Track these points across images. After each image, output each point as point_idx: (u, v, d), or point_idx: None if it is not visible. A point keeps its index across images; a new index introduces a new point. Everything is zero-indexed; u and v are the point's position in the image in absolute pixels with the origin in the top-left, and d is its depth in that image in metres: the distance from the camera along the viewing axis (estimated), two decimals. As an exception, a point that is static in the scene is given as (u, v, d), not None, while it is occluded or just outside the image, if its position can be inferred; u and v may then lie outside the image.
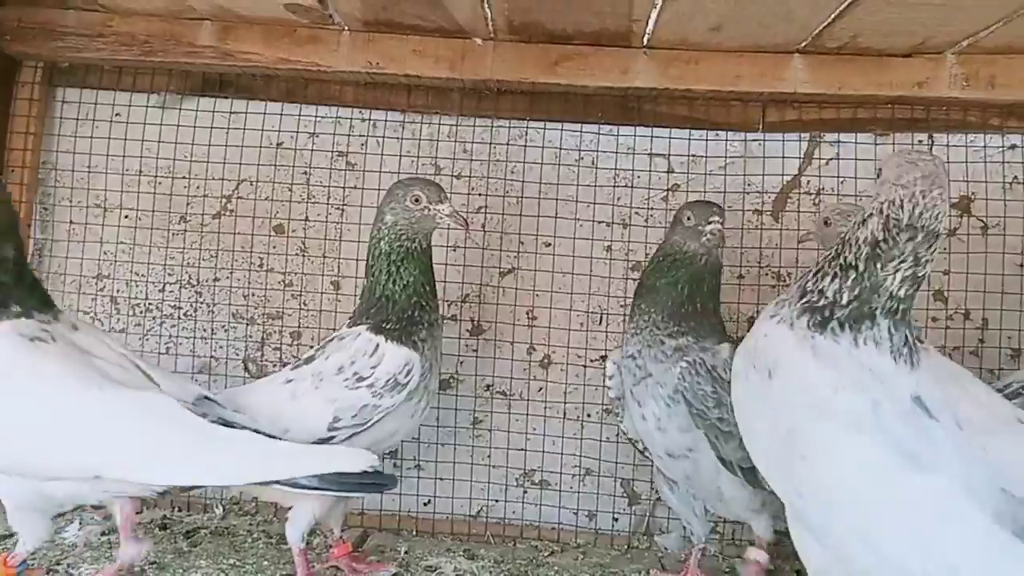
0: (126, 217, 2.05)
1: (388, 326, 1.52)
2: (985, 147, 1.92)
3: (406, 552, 1.76)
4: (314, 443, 1.45)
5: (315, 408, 1.48)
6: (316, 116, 2.03)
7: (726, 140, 1.97)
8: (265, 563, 1.64)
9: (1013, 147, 1.92)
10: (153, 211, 2.05)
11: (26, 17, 1.91)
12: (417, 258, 1.56)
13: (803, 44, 1.75)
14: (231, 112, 2.03)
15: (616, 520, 1.98)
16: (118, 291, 2.05)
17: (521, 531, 1.94)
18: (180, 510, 1.94)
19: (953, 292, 1.91)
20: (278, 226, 2.05)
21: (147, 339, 2.04)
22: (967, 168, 1.91)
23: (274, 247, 2.04)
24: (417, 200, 1.55)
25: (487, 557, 1.75)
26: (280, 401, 1.50)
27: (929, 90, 1.80)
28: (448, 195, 1.58)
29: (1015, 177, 1.92)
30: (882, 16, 1.59)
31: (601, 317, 2.01)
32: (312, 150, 2.04)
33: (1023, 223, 1.89)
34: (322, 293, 2.03)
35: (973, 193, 1.93)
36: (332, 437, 1.48)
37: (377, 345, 1.51)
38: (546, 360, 2.01)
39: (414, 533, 1.95)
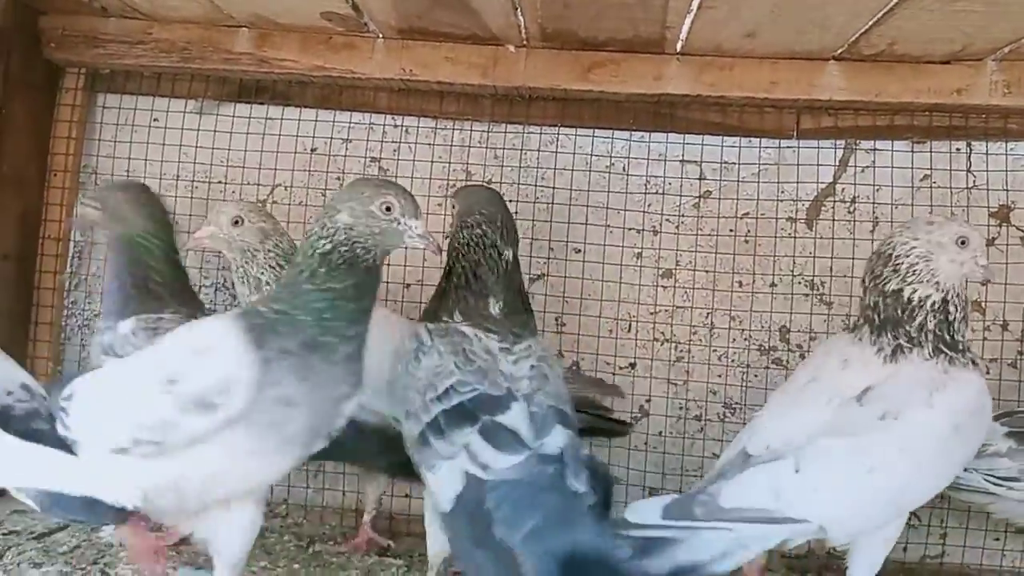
0: (163, 221, 2.09)
1: (259, 322, 1.18)
2: (1024, 155, 1.89)
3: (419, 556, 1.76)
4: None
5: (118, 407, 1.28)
6: (350, 122, 2.05)
7: (760, 147, 1.96)
8: (296, 566, 1.65)
9: (1055, 155, 1.89)
10: (190, 215, 2.07)
11: (69, 25, 1.96)
12: (359, 273, 1.22)
13: (839, 51, 1.74)
14: (267, 118, 2.07)
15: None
16: (154, 293, 2.08)
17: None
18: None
19: (991, 303, 1.87)
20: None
21: (182, 341, 2.07)
22: (1007, 177, 1.88)
23: (306, 252, 2.06)
24: (388, 208, 1.24)
25: (515, 563, 1.75)
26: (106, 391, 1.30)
27: (968, 97, 1.77)
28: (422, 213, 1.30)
29: (1056, 187, 1.88)
30: (920, 23, 1.57)
31: (630, 325, 2.00)
32: (346, 156, 2.06)
33: (1064, 234, 1.86)
34: (353, 297, 2.05)
35: (1012, 202, 1.89)
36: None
37: (211, 346, 1.18)
38: (574, 367, 2.00)
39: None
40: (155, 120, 2.10)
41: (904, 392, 1.36)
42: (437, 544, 1.42)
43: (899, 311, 1.39)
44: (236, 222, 1.61)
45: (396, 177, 2.05)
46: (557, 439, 1.29)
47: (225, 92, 2.07)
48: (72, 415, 1.27)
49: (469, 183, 1.91)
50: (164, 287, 1.61)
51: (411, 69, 1.88)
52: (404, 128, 2.05)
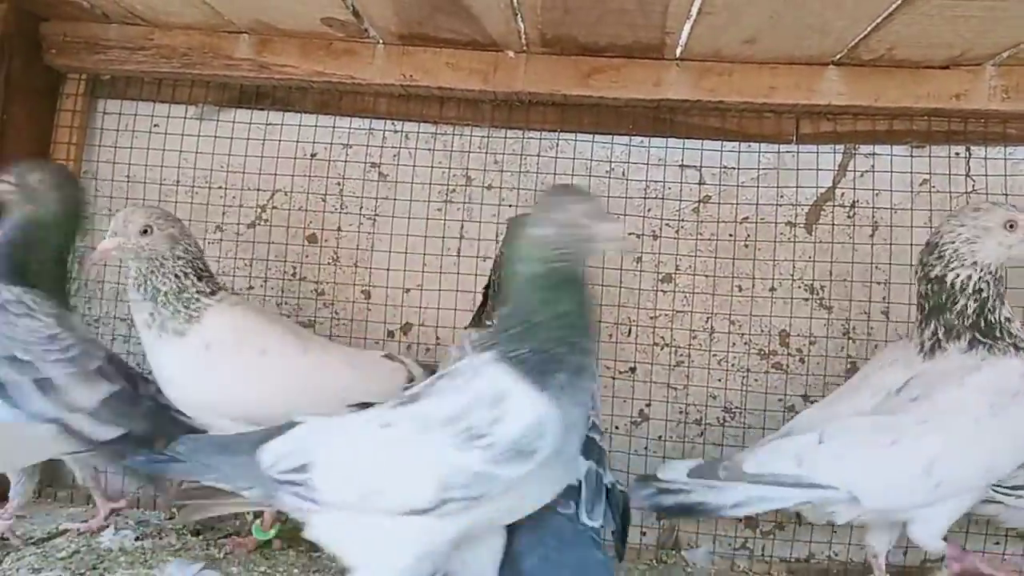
0: (163, 226, 2.09)
1: (523, 358, 1.14)
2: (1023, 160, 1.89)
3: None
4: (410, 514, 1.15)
5: (415, 468, 1.16)
6: (350, 128, 2.06)
7: (759, 152, 1.96)
8: (296, 571, 1.64)
9: (1054, 160, 1.89)
10: (190, 220, 2.05)
11: (70, 31, 1.97)
12: (572, 285, 1.18)
13: (838, 56, 1.74)
14: (267, 124, 2.07)
15: (644, 534, 1.96)
16: (154, 299, 2.09)
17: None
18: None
19: (992, 307, 1.87)
20: (311, 236, 2.07)
21: (182, 346, 2.07)
22: (1006, 181, 1.88)
23: (307, 256, 2.07)
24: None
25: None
26: (371, 450, 1.20)
27: (967, 102, 1.77)
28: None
29: (1056, 191, 1.88)
30: (920, 28, 1.58)
31: (630, 329, 2.00)
32: (345, 161, 2.06)
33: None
34: (353, 302, 2.05)
35: (1012, 207, 1.89)
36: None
37: (504, 393, 1.12)
38: (575, 371, 2.00)
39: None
40: (156, 126, 2.10)
41: (938, 377, 1.45)
42: None
43: (943, 297, 1.48)
44: (145, 231, 1.56)
45: (396, 182, 2.05)
46: (579, 468, 1.29)
47: (226, 98, 2.08)
48: (324, 484, 1.19)
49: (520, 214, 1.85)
50: (39, 276, 1.66)
51: (411, 75, 1.89)
52: (404, 133, 2.05)
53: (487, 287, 1.68)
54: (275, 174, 2.06)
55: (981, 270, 1.46)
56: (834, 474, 1.40)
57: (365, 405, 1.58)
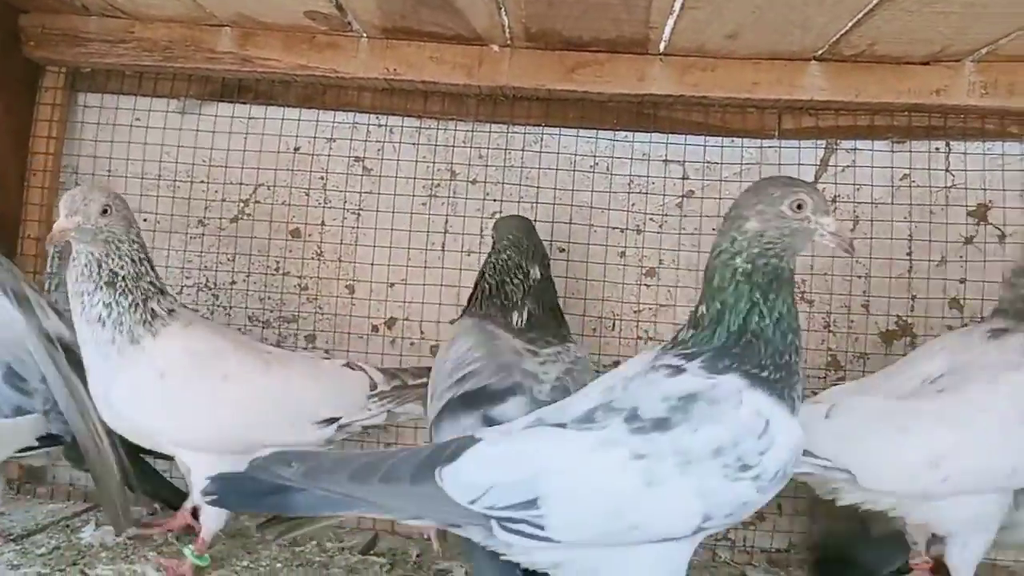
0: (144, 221, 2.06)
1: (768, 376, 1.13)
2: (1003, 155, 1.91)
3: (418, 555, 1.76)
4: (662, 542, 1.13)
5: (682, 503, 1.10)
6: (333, 121, 2.05)
7: (742, 147, 1.97)
8: (279, 565, 1.64)
9: (1032, 155, 1.91)
10: (172, 215, 2.07)
11: (49, 23, 1.95)
12: (787, 284, 1.17)
13: (820, 51, 1.75)
14: (249, 117, 2.06)
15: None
16: (136, 294, 2.07)
17: (534, 537, 1.93)
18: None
19: (969, 300, 1.89)
20: (294, 230, 2.06)
21: (164, 341, 2.05)
22: (984, 176, 1.90)
23: (290, 251, 2.06)
24: (800, 207, 1.17)
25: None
26: (628, 484, 1.09)
27: (947, 98, 1.79)
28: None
29: (1034, 186, 1.91)
30: (900, 24, 1.59)
31: (614, 323, 2.00)
32: (329, 155, 2.05)
33: (1042, 232, 1.89)
34: (337, 297, 2.04)
35: (990, 201, 1.91)
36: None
37: (768, 421, 1.11)
38: (560, 366, 2.01)
39: (426, 537, 1.94)
40: (137, 120, 2.08)
41: (975, 371, 1.41)
42: None
43: None
44: (105, 211, 1.46)
45: (380, 177, 2.05)
46: None
47: (208, 91, 2.06)
48: (562, 522, 1.10)
49: (505, 215, 1.87)
50: None
51: (395, 68, 1.88)
52: (388, 128, 2.04)
53: (479, 280, 1.68)
54: (258, 168, 2.05)
55: None
56: (833, 450, 1.37)
57: (331, 420, 1.61)
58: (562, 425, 1.16)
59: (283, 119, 2.05)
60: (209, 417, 1.52)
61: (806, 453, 1.40)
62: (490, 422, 1.33)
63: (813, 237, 1.19)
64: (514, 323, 1.58)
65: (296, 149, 2.06)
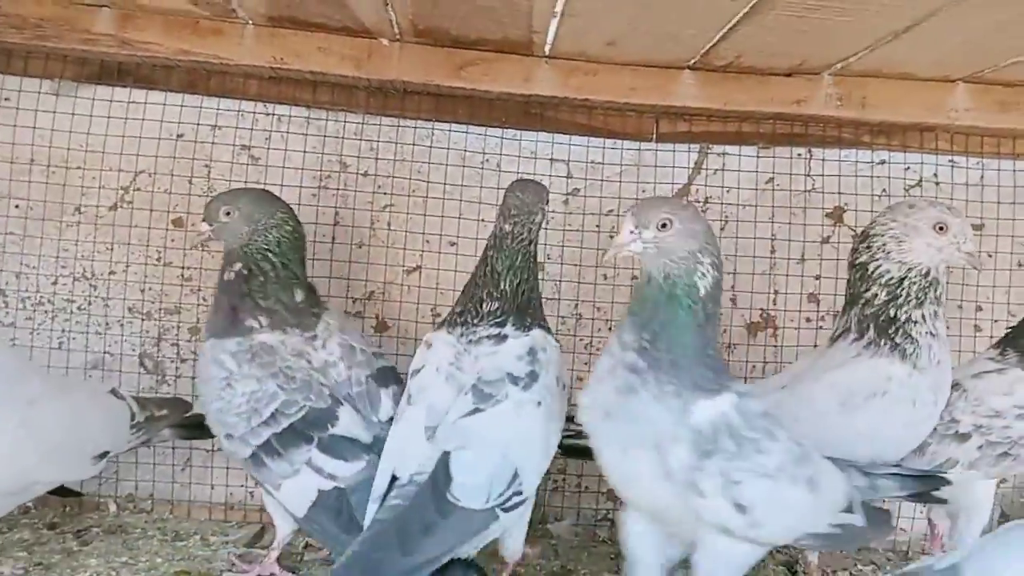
0: (16, 207, 1.98)
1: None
2: (856, 162, 2.08)
3: (304, 547, 1.77)
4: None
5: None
6: (218, 108, 2.01)
7: (622, 148, 2.06)
8: (159, 560, 1.63)
9: (882, 162, 2.09)
10: (45, 201, 1.98)
11: (-97, -8, 1.82)
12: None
13: (692, 61, 1.86)
14: (130, 102, 1.99)
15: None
16: (7, 284, 1.98)
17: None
18: (70, 509, 1.90)
19: (825, 295, 2.06)
20: (177, 219, 2.02)
21: (37, 334, 1.97)
22: (840, 181, 2.07)
23: (172, 241, 2.01)
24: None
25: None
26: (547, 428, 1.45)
27: (807, 108, 1.93)
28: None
29: (883, 190, 2.08)
30: (761, 40, 1.70)
31: (503, 315, 2.07)
32: (213, 143, 2.01)
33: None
34: (223, 288, 2.02)
35: (846, 204, 2.09)
36: None
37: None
38: (449, 356, 2.06)
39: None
40: (6, 100, 1.98)
41: (811, 369, 1.54)
42: (287, 526, 1.56)
43: (860, 285, 1.52)
44: None
45: (267, 166, 2.03)
46: (387, 406, 1.52)
47: (85, 73, 1.98)
48: (529, 480, 1.38)
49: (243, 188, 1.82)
50: None
51: (282, 58, 1.86)
52: (276, 116, 2.02)
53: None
54: (138, 155, 1.99)
55: (909, 269, 1.48)
56: None
57: (104, 454, 1.58)
58: (480, 410, 1.39)
59: (165, 104, 1.99)
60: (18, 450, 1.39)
61: None
62: (333, 441, 1.44)
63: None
64: (296, 300, 1.60)
65: (179, 136, 2.01)
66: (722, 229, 2.07)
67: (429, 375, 1.46)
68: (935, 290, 1.50)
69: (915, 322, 1.48)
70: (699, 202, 2.08)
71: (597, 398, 1.27)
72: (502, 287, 1.52)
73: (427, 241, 2.05)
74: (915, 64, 1.83)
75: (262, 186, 2.01)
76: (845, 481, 1.34)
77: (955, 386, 1.61)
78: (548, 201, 1.58)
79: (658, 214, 1.24)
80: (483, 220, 2.06)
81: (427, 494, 1.31)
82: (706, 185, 2.07)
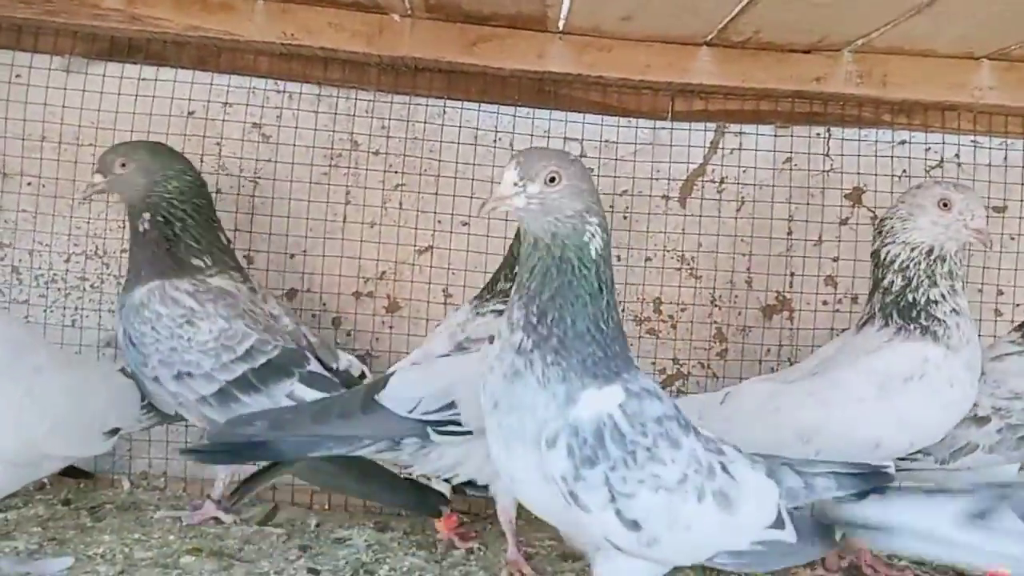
0: (29, 184, 1.98)
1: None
2: (876, 142, 2.04)
3: (317, 525, 1.78)
4: None
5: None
6: (229, 85, 1.99)
7: (636, 127, 2.03)
8: (171, 537, 1.64)
9: (903, 143, 2.05)
10: (57, 179, 1.98)
11: (-87, -32, 1.81)
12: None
13: (709, 37, 1.82)
14: (140, 78, 1.98)
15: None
16: (20, 261, 1.98)
17: (433, 503, 1.98)
18: (84, 486, 1.91)
19: (842, 278, 2.03)
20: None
21: (51, 311, 1.98)
22: (859, 161, 2.03)
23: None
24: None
25: (398, 528, 1.79)
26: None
27: (826, 86, 1.89)
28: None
29: (904, 171, 2.04)
30: (781, 14, 1.67)
31: (515, 295, 2.05)
32: (224, 120, 2.00)
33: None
34: (235, 267, 2.01)
35: (865, 185, 2.05)
36: None
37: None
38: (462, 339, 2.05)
39: (326, 507, 1.97)
40: (17, 76, 1.97)
41: (845, 354, 1.53)
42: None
43: (878, 272, 1.54)
44: None
45: (278, 144, 2.01)
46: (344, 358, 1.72)
47: (95, 50, 1.97)
48: (468, 416, 1.41)
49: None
50: None
51: (292, 33, 1.84)
52: (287, 94, 2.01)
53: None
54: (148, 132, 1.97)
55: (913, 249, 1.48)
56: (723, 431, 1.41)
57: (114, 431, 1.62)
58: (448, 355, 1.55)
59: (175, 81, 1.98)
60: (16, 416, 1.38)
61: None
62: (314, 377, 1.62)
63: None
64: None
65: (190, 113, 2.00)
66: (738, 210, 2.04)
67: (435, 332, 1.66)
68: (944, 266, 1.50)
69: (935, 302, 1.48)
70: (715, 182, 2.05)
71: (487, 386, 1.15)
72: (516, 271, 1.50)
73: (439, 221, 2.04)
74: (938, 40, 1.79)
75: (272, 164, 2.01)
76: (774, 491, 1.20)
77: None
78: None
79: (547, 166, 1.11)
80: (495, 200, 2.04)
81: (359, 392, 1.48)
82: (723, 165, 2.03)
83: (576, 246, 1.10)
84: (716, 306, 2.05)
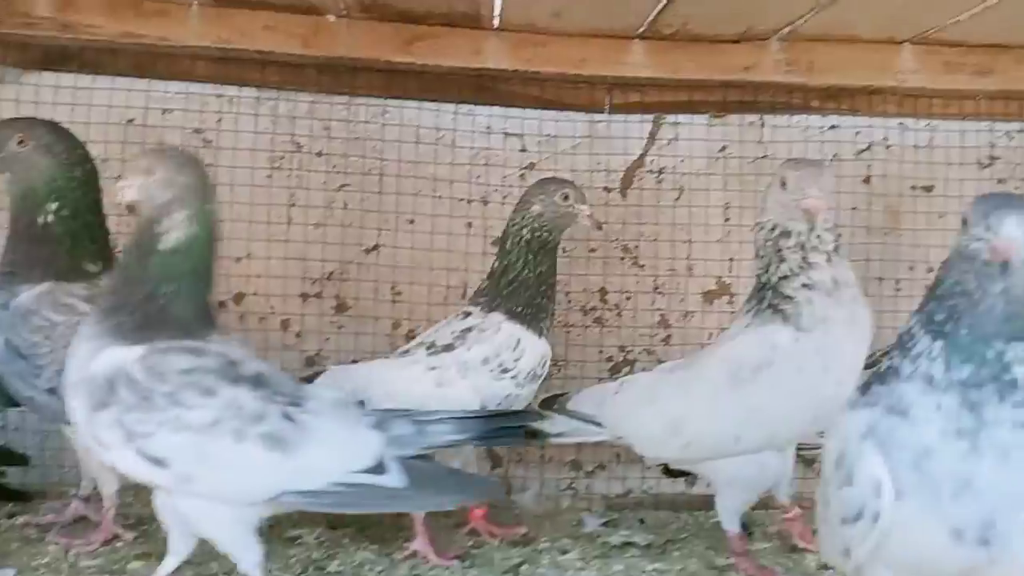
0: (-34, 199, 1.96)
1: (521, 311, 1.61)
2: (807, 127, 2.10)
3: (270, 526, 1.76)
4: None
5: (463, 396, 1.55)
6: (167, 92, 1.99)
7: (575, 121, 2.07)
8: (119, 544, 1.62)
9: (833, 127, 2.11)
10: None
11: None
12: (551, 251, 1.65)
13: (641, 30, 1.86)
14: (76, 87, 1.96)
15: (481, 484, 2.07)
16: None
17: (387, 498, 1.99)
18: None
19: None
20: (132, 206, 1.99)
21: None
22: (792, 147, 2.09)
23: (128, 227, 1.98)
24: (566, 198, 1.64)
25: (352, 525, 1.80)
26: (425, 387, 1.56)
27: (756, 74, 1.95)
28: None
29: (835, 154, 2.11)
30: (707, 5, 1.73)
31: (464, 291, 2.07)
32: (165, 127, 1.99)
33: (840, 197, 2.08)
34: (181, 273, 2.00)
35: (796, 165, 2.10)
36: None
37: (519, 339, 1.59)
38: (412, 334, 2.05)
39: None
40: (-53, 88, 1.95)
41: (714, 343, 1.58)
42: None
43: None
44: None
45: (220, 149, 2.01)
46: None
47: (28, 59, 1.95)
48: None
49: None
50: None
51: (228, 38, 1.84)
52: (227, 98, 2.01)
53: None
54: (88, 140, 1.93)
55: (762, 229, 1.46)
56: (613, 422, 1.57)
57: None
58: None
59: (113, 89, 1.97)
60: None
61: (598, 424, 1.58)
62: None
63: (576, 220, 1.65)
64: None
65: (130, 120, 1.99)
66: (677, 199, 2.09)
67: None
68: (790, 239, 1.42)
69: (784, 277, 1.42)
70: (654, 173, 2.09)
71: None
72: (492, 268, 1.68)
73: (385, 220, 2.05)
74: (860, 26, 1.86)
75: (215, 169, 2.00)
76: (373, 439, 1.27)
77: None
78: (558, 194, 1.64)
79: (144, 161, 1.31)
80: (440, 197, 2.06)
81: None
82: (660, 155, 2.08)
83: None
84: (659, 293, 2.09)
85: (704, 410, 1.47)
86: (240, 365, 1.25)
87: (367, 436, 1.28)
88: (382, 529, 1.78)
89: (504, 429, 1.40)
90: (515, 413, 1.54)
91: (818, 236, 1.44)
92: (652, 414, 1.53)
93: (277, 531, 1.74)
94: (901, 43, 1.94)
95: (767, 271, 1.46)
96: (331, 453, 1.25)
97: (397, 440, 1.29)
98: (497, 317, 1.61)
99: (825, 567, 1.64)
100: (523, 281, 1.62)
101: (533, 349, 1.60)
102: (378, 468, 1.25)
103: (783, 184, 1.45)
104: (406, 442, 1.30)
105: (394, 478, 1.25)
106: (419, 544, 1.62)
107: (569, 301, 2.07)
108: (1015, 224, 0.85)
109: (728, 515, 1.52)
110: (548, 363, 1.64)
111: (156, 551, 1.58)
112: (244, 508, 1.27)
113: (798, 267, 1.43)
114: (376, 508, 1.44)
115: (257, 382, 1.25)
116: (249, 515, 1.27)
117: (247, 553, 1.27)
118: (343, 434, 1.28)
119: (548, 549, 1.69)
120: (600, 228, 1.72)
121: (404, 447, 1.29)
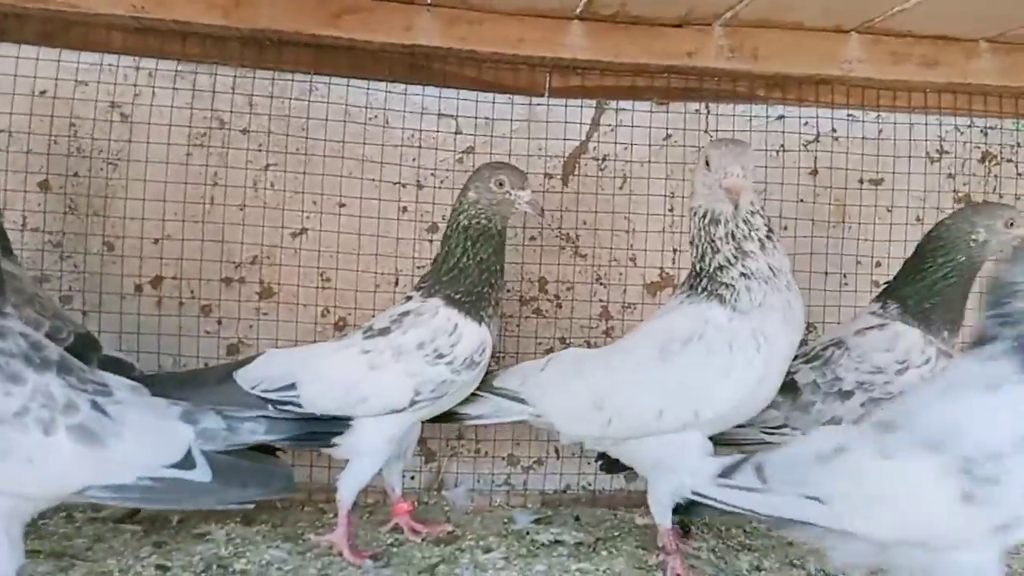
0: None
1: (460, 298, 1.56)
2: (753, 117, 2.05)
3: (179, 521, 1.70)
4: (389, 413, 1.55)
5: (396, 381, 1.53)
6: (80, 62, 1.87)
7: (513, 104, 1.99)
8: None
9: (780, 117, 2.06)
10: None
11: None
12: (492, 238, 1.58)
13: (579, 10, 1.79)
14: (-21, 55, 1.84)
15: (412, 478, 2.00)
16: None
17: (310, 493, 1.89)
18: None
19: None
20: (43, 182, 1.88)
21: None
22: (737, 137, 2.03)
23: (39, 205, 1.88)
24: (501, 184, 1.56)
25: (268, 522, 1.72)
26: (357, 370, 1.54)
27: (699, 60, 1.88)
28: (529, 183, 1.60)
29: (781, 145, 2.06)
30: (644, -15, 1.65)
31: (396, 279, 2.00)
32: (77, 99, 1.88)
33: (786, 189, 2.05)
34: (95, 254, 1.89)
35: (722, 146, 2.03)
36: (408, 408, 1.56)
37: (456, 324, 1.55)
38: (341, 322, 1.98)
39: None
40: None
41: (640, 324, 1.55)
42: None
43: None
44: None
45: (137, 124, 1.90)
46: None
47: (-74, 25, 1.82)
48: (308, 398, 1.53)
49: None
50: None
51: (143, 6, 1.73)
52: (145, 70, 1.90)
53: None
54: (-9, 111, 1.85)
55: (694, 214, 1.44)
56: (536, 398, 1.54)
57: None
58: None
59: (19, 57, 1.85)
60: None
61: (522, 402, 1.54)
62: None
63: (515, 207, 1.58)
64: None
65: (41, 92, 1.87)
66: (620, 187, 2.02)
67: None
68: (720, 229, 1.40)
69: (721, 267, 1.41)
70: (598, 159, 2.02)
71: None
72: (436, 254, 1.65)
73: (313, 202, 1.96)
74: (806, 13, 1.80)
75: (133, 145, 1.90)
76: (182, 432, 1.26)
77: (839, 344, 1.61)
78: (492, 180, 1.57)
79: None
80: (370, 179, 1.97)
81: (221, 369, 1.61)
82: (602, 142, 2.01)
83: None
84: (601, 284, 2.03)
85: (629, 382, 1.44)
86: (43, 348, 1.18)
87: (176, 428, 1.25)
88: (298, 527, 1.71)
89: (315, 434, 1.46)
90: (328, 419, 1.52)
91: (746, 221, 1.41)
92: (576, 389, 1.50)
93: (188, 527, 1.67)
94: (848, 32, 1.88)
95: (703, 260, 1.44)
96: (142, 446, 1.22)
97: (205, 433, 1.27)
98: (435, 302, 1.57)
99: (758, 568, 1.61)
100: (463, 268, 1.57)
101: (471, 336, 1.55)
102: (186, 462, 1.23)
103: (707, 164, 1.41)
104: (214, 436, 1.28)
105: (201, 472, 1.23)
106: (336, 536, 1.57)
107: (508, 290, 2.00)
108: None
109: (659, 508, 1.48)
110: (488, 351, 1.56)
111: (48, 548, 1.50)
112: (23, 503, 1.20)
113: (733, 257, 1.42)
114: (182, 503, 1.42)
115: (62, 367, 1.19)
116: (25, 510, 1.21)
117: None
118: (153, 426, 1.24)
119: (472, 547, 1.63)
120: (542, 215, 1.64)
121: (212, 441, 1.27)
